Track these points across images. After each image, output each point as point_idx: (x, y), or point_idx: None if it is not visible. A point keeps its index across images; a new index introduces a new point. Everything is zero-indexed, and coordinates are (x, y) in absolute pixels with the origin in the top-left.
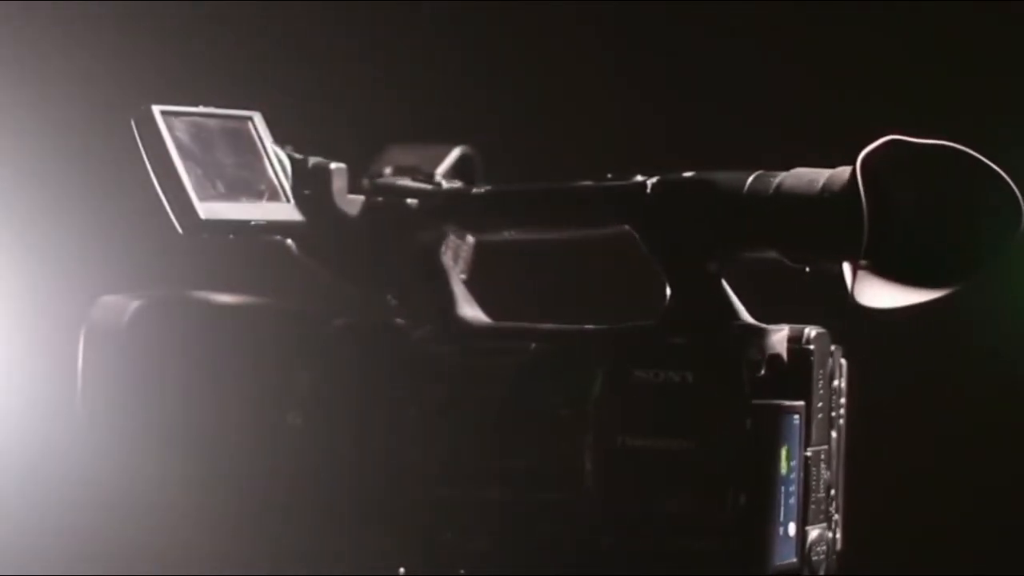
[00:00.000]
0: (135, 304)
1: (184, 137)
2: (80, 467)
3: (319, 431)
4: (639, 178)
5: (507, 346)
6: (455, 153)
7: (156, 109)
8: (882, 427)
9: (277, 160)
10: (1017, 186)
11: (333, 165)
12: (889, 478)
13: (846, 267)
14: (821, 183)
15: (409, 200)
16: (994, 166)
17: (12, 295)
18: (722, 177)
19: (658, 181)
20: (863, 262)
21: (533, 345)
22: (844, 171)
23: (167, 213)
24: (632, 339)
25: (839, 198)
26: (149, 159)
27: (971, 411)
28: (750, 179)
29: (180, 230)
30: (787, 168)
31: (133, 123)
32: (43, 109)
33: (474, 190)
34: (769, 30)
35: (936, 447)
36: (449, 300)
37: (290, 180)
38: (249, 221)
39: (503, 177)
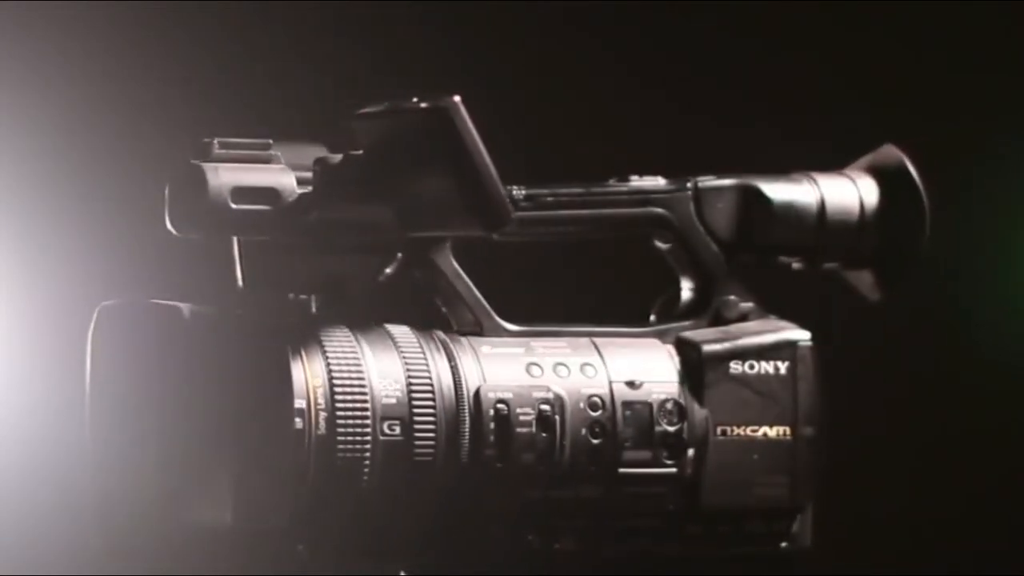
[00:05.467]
0: (136, 309)
1: None
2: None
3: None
4: (662, 180)
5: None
6: None
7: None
8: (878, 426)
9: None
10: (1018, 184)
11: None
12: (881, 478)
13: (867, 271)
14: (856, 196)
15: None
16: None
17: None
18: (768, 183)
19: (701, 184)
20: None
21: (605, 341)
22: (869, 181)
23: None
24: (716, 334)
25: (896, 211)
26: (456, 154)
27: (969, 410)
28: (794, 190)
29: (489, 229)
30: (780, 167)
31: (433, 114)
32: (43, 109)
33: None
34: (766, 30)
35: (933, 447)
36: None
37: None
38: None
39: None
